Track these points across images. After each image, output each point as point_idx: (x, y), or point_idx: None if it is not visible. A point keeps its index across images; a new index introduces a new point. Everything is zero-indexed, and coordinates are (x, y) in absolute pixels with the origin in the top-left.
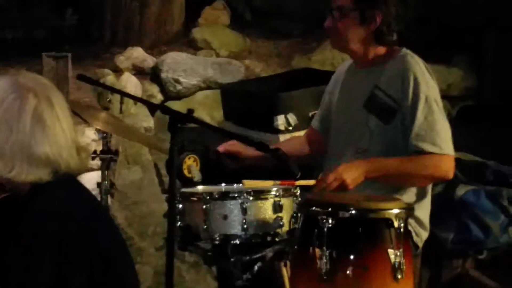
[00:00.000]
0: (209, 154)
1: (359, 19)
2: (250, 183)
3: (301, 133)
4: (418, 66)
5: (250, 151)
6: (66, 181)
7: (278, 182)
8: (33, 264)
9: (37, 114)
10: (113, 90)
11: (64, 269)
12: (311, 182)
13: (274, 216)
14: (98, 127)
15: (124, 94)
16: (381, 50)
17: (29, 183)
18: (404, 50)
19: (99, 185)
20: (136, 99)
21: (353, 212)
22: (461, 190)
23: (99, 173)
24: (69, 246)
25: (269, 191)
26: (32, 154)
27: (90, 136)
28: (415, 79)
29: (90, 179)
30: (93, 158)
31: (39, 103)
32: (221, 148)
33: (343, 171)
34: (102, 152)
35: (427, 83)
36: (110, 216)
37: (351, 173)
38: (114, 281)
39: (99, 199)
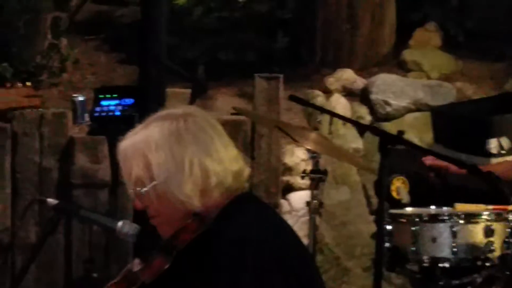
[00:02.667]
0: (416, 170)
1: None
2: (462, 207)
3: None
4: None
5: (457, 168)
6: (249, 201)
7: (490, 206)
8: None
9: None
10: (323, 110)
11: None
12: None
13: (485, 240)
14: (308, 147)
15: (334, 115)
16: None
17: (216, 210)
18: None
19: (308, 203)
20: (346, 119)
21: None
22: None
23: (307, 192)
24: (265, 273)
25: (481, 214)
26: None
27: (299, 156)
28: None
29: (299, 198)
30: (302, 177)
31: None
32: (428, 160)
33: None
34: (311, 171)
35: None
36: (296, 234)
37: None
38: None
39: (307, 217)
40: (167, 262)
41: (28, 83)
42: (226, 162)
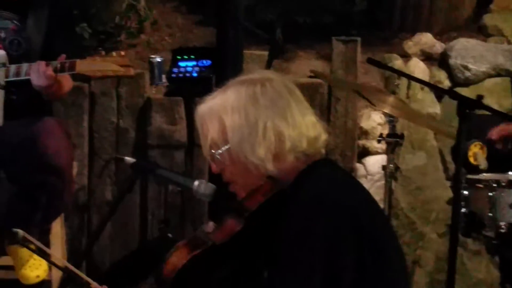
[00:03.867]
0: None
1: None
2: None
3: None
4: None
5: None
6: (326, 166)
7: None
8: (303, 253)
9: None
10: (402, 74)
11: (334, 258)
12: None
13: None
14: (385, 111)
15: (412, 79)
16: None
17: (292, 173)
18: None
19: (384, 168)
20: (424, 83)
21: None
22: None
23: (383, 156)
24: (339, 234)
25: None
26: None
27: (376, 120)
28: None
29: (375, 162)
30: (379, 141)
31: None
32: (493, 134)
33: None
34: (388, 135)
35: None
36: (373, 198)
37: None
38: (382, 269)
39: (383, 182)
40: (239, 223)
41: (122, 53)
42: (302, 127)
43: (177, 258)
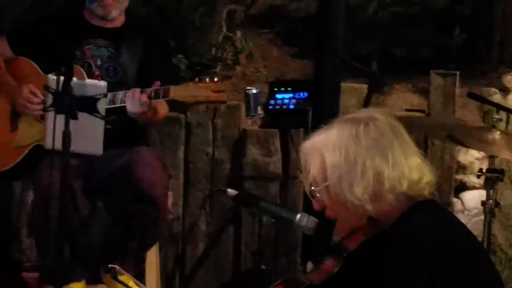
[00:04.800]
0: None
1: None
2: None
3: None
4: None
5: None
6: (429, 207)
7: None
8: None
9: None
10: (502, 108)
11: None
12: None
13: None
14: (482, 152)
15: None
16: None
17: (393, 215)
18: None
19: (483, 203)
20: None
21: None
22: None
23: (480, 191)
24: (441, 278)
25: None
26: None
27: (473, 155)
28: None
29: (472, 197)
30: (478, 176)
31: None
32: None
33: None
34: (488, 170)
35: None
36: (475, 238)
37: None
38: None
39: (480, 217)
40: (337, 264)
41: (216, 79)
42: (404, 168)
43: None
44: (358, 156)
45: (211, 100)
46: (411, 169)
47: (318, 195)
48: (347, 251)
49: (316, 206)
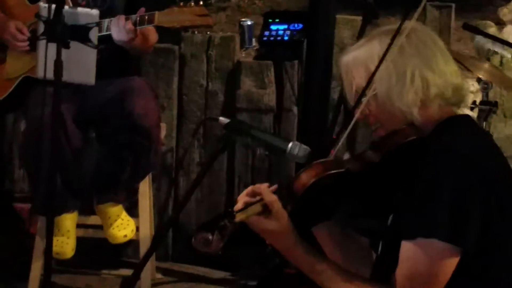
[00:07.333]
0: None
1: None
2: None
3: None
4: None
5: None
6: (464, 121)
7: None
8: (429, 204)
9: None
10: (497, 40)
11: (458, 212)
12: None
13: None
14: (480, 76)
15: (508, 45)
16: None
17: (432, 124)
18: None
19: None
20: None
21: None
22: None
23: None
24: (468, 191)
25: None
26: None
27: (467, 88)
28: None
29: None
30: (472, 109)
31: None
32: None
33: None
34: (481, 103)
35: None
36: (506, 161)
37: None
38: (509, 230)
39: None
40: (376, 157)
41: (201, 2)
42: (447, 75)
43: (309, 174)
44: (406, 65)
45: (196, 25)
46: (452, 75)
47: (363, 104)
48: (386, 148)
49: (358, 116)
